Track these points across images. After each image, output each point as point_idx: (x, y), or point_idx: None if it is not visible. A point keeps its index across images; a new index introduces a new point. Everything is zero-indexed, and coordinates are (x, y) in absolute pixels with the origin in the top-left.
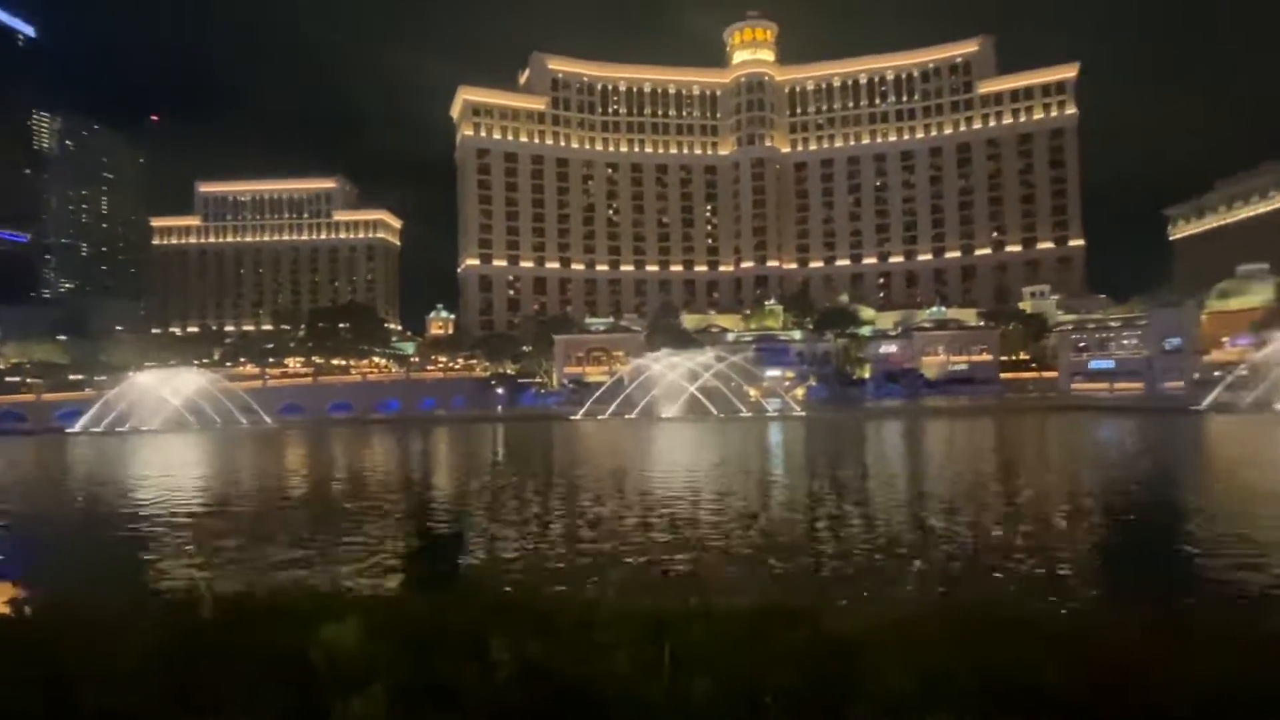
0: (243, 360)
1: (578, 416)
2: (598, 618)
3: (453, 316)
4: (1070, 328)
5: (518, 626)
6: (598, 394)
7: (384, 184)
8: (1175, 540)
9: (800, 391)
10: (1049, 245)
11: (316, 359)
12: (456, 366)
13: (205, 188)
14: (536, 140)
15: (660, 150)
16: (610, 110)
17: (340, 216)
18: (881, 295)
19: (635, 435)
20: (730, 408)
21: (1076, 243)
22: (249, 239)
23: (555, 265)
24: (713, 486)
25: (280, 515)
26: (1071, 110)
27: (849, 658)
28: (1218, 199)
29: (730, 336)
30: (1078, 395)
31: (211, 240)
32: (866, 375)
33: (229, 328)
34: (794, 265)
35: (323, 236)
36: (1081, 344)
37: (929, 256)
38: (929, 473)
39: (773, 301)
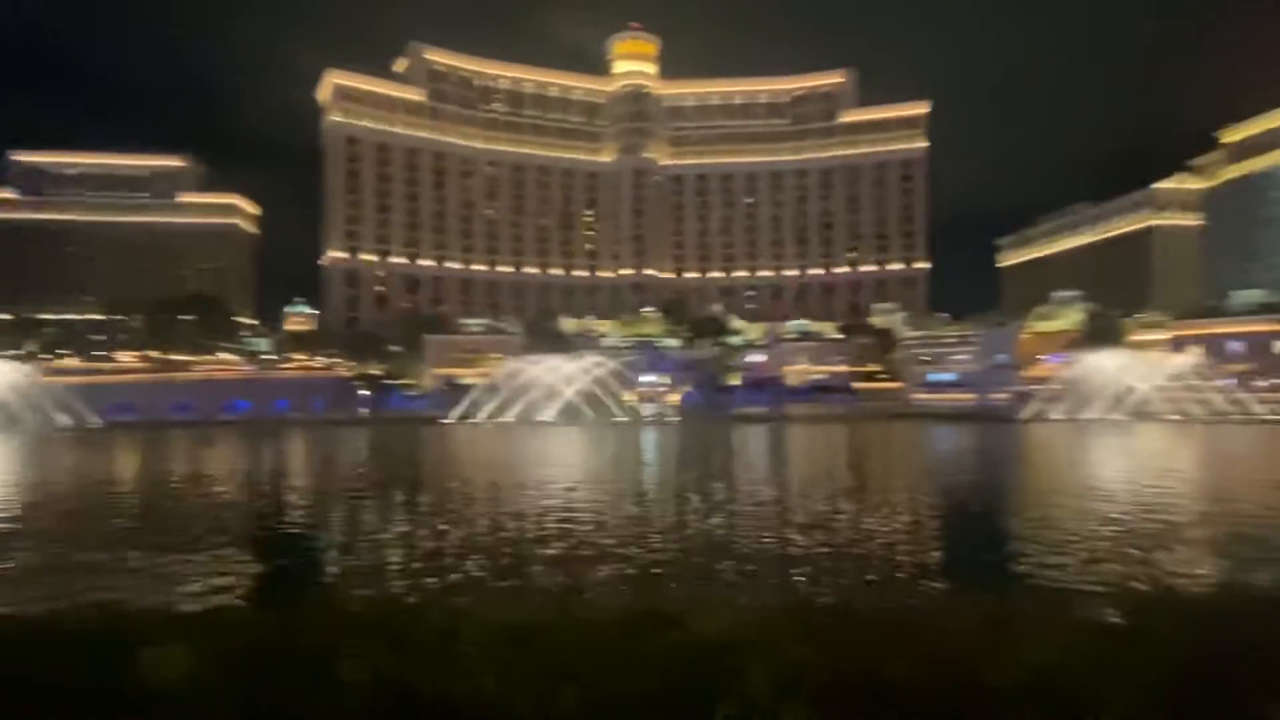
0: (64, 353)
1: (450, 420)
2: (462, 631)
3: (314, 312)
4: (915, 342)
5: (373, 644)
6: (471, 397)
7: (239, 167)
8: (997, 534)
9: (674, 398)
10: (899, 266)
11: (155, 353)
12: (317, 366)
13: (19, 157)
14: (412, 132)
15: (542, 152)
16: (491, 108)
17: (187, 198)
18: (751, 307)
19: (510, 440)
20: (607, 413)
21: (922, 265)
22: (76, 217)
23: (429, 263)
24: (588, 492)
25: (97, 528)
26: (922, 143)
27: (715, 659)
28: (1039, 233)
29: (609, 341)
30: (920, 404)
31: (27, 216)
32: (736, 383)
33: (48, 316)
34: (671, 274)
35: (166, 219)
36: (924, 358)
37: (794, 272)
38: (789, 477)
39: (651, 309)
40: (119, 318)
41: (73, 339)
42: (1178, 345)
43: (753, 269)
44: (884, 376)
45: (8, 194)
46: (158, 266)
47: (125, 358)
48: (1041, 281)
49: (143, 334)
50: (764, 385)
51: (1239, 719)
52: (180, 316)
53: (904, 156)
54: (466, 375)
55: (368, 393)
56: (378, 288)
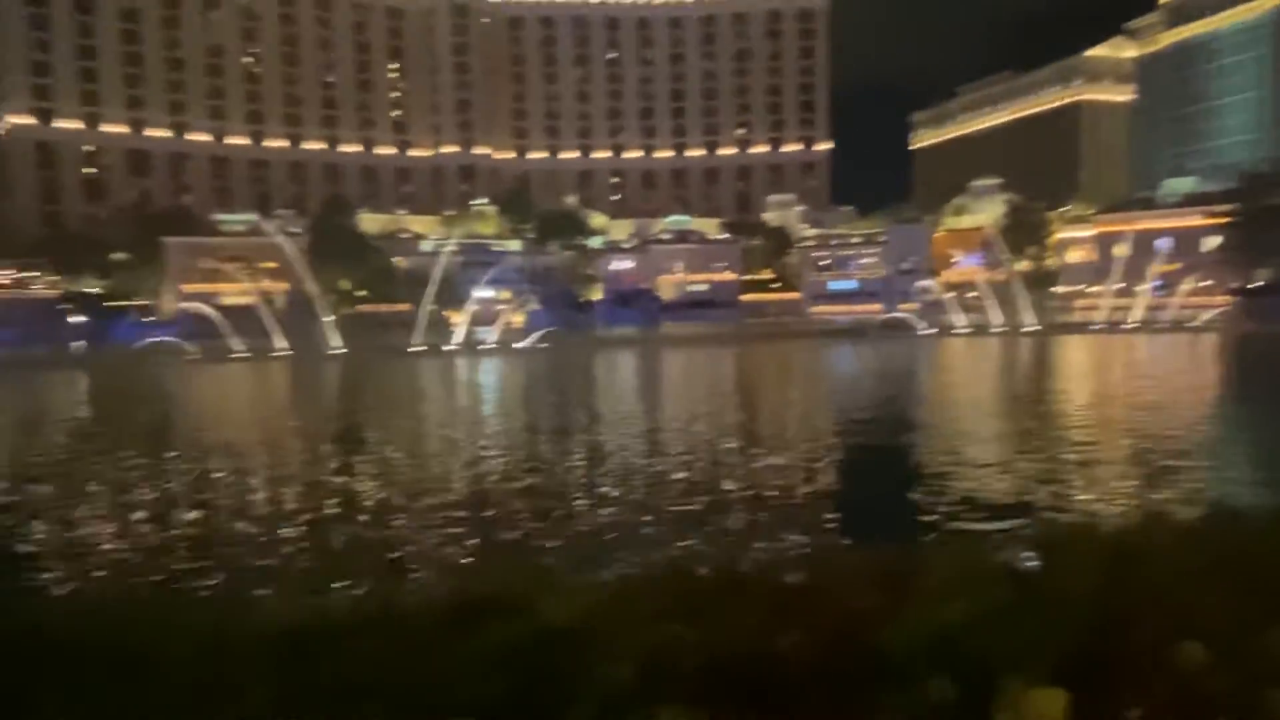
0: None
1: (196, 355)
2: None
3: None
4: (813, 244)
5: None
6: (228, 324)
7: None
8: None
9: (518, 318)
10: (795, 147)
11: None
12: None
13: None
14: None
15: None
16: None
17: None
18: (615, 198)
19: (288, 381)
20: (434, 338)
21: (823, 146)
22: None
23: (163, 133)
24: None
25: None
26: None
27: (569, 649)
28: (958, 107)
29: (427, 245)
30: (818, 319)
31: None
32: (597, 297)
33: None
34: (510, 155)
35: None
36: (824, 262)
37: (669, 154)
38: (668, 420)
39: (483, 201)
40: None
41: None
42: (1104, 243)
43: (617, 148)
44: (777, 286)
45: None
46: None
47: None
48: (960, 167)
49: None
50: (632, 299)
51: (1148, 668)
52: None
53: (801, 5)
54: (230, 292)
55: (82, 319)
56: (87, 169)
